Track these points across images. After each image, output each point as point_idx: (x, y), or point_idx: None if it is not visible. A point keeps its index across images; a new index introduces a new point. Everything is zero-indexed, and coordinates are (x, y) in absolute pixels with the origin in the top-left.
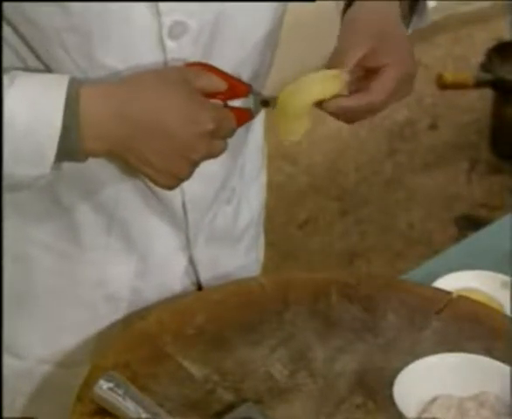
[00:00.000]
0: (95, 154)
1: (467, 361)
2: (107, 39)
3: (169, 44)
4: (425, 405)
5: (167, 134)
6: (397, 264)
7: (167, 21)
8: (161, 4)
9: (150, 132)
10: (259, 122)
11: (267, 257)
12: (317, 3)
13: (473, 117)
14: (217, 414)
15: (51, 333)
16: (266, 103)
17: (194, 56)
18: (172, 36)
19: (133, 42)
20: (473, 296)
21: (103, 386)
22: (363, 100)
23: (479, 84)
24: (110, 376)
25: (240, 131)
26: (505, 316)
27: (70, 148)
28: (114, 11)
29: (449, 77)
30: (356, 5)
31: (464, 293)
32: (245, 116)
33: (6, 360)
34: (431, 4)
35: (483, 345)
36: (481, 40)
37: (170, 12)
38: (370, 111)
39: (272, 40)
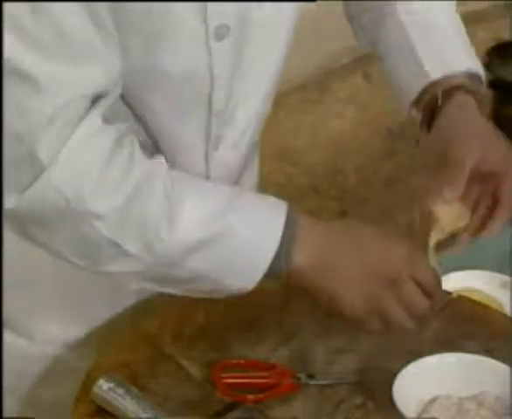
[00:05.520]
0: (299, 274)
1: (466, 361)
2: (159, 41)
3: (214, 45)
4: (425, 405)
5: (377, 260)
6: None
7: (213, 23)
8: (209, 6)
9: (362, 257)
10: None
11: None
12: (317, 3)
13: None
14: (217, 414)
15: (61, 314)
16: None
17: (233, 56)
18: (217, 37)
19: (181, 44)
20: (473, 296)
21: (103, 386)
22: (504, 217)
23: None
24: (110, 376)
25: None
26: (505, 316)
27: (276, 268)
28: (164, 12)
29: None
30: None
31: (464, 293)
32: None
33: (15, 341)
34: None
35: (483, 345)
36: (481, 40)
37: (216, 14)
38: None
39: (290, 39)
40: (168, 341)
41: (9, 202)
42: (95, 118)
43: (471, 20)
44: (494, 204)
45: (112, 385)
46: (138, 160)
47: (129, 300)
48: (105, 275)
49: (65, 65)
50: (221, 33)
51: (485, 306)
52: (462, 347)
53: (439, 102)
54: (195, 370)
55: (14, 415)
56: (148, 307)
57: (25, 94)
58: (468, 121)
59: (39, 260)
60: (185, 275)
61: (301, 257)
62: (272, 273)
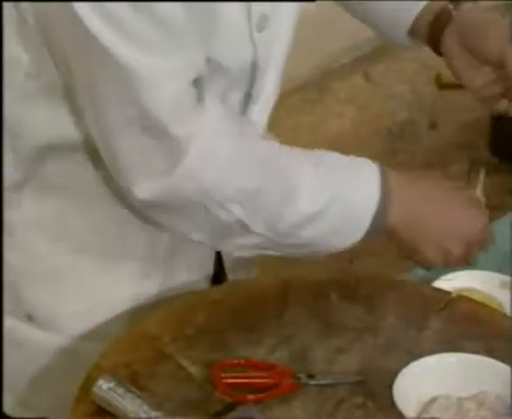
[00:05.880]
0: (392, 229)
1: (466, 361)
2: (212, 34)
3: (257, 36)
4: (425, 405)
5: (455, 222)
6: (398, 264)
7: (255, 15)
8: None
9: (443, 216)
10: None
11: (267, 257)
12: (317, 3)
13: (473, 117)
14: (217, 414)
15: (88, 308)
16: None
17: (268, 47)
18: (258, 28)
19: (231, 40)
20: (474, 296)
21: (103, 386)
22: None
23: None
24: (110, 376)
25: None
26: (505, 316)
27: (376, 222)
28: (213, 11)
29: (448, 76)
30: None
31: (464, 293)
32: None
33: (41, 335)
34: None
35: (483, 345)
36: None
37: (258, 6)
38: None
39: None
40: (168, 341)
41: (140, 193)
42: (215, 100)
43: None
44: None
45: (112, 385)
46: (257, 140)
47: (154, 290)
48: (222, 247)
49: (171, 56)
50: (261, 24)
51: (485, 306)
52: (462, 347)
53: (453, 12)
54: (195, 370)
55: (44, 412)
56: (148, 307)
57: (141, 90)
58: (492, 17)
59: (68, 255)
60: (296, 242)
61: (395, 215)
62: (369, 231)
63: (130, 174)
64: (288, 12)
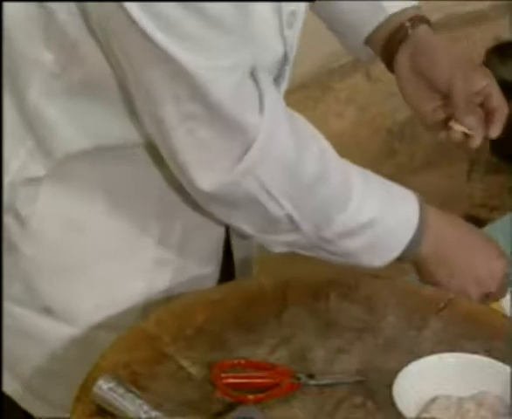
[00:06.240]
0: (422, 258)
1: (466, 361)
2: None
3: (287, 33)
4: (425, 405)
5: (479, 270)
6: (397, 264)
7: (285, 11)
8: None
9: (470, 260)
10: None
11: (268, 256)
12: (317, 2)
13: None
14: (217, 414)
15: (104, 299)
16: None
17: (294, 41)
18: (288, 25)
19: (258, 35)
20: None
21: (103, 386)
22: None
23: None
24: (110, 376)
25: None
26: (505, 316)
27: (410, 247)
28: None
29: None
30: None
31: None
32: None
33: (57, 326)
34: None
35: (483, 345)
36: (481, 40)
37: (287, 4)
38: None
39: None
40: (168, 341)
41: (203, 186)
42: (273, 95)
43: (471, 20)
44: (488, 113)
45: (112, 385)
46: (313, 137)
47: (166, 282)
48: (267, 241)
49: (226, 54)
50: (291, 20)
51: (485, 306)
52: (462, 347)
53: (410, 31)
54: (195, 370)
55: (55, 401)
56: (161, 300)
57: (201, 86)
58: (443, 44)
59: (86, 246)
60: (333, 250)
61: (427, 246)
62: (402, 255)
63: (191, 168)
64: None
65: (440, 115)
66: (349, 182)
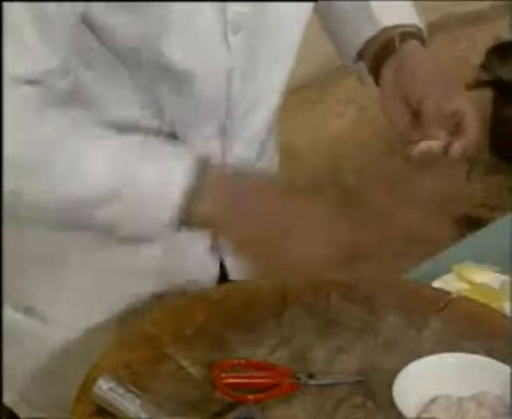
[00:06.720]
0: (205, 219)
1: (466, 361)
2: (174, 36)
3: (231, 38)
4: (425, 405)
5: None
6: (397, 264)
7: (230, 16)
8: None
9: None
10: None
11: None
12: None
13: None
14: (217, 414)
15: (82, 303)
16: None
17: (249, 49)
18: (234, 31)
19: (199, 38)
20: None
21: (103, 386)
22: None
23: (479, 84)
24: (110, 376)
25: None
26: (505, 316)
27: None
28: (179, 9)
29: None
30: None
31: (469, 289)
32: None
33: (40, 328)
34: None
35: (483, 345)
36: (481, 40)
37: (233, 7)
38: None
39: (302, 35)
40: (168, 341)
41: None
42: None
43: (471, 20)
44: (458, 133)
45: (112, 385)
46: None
47: (147, 288)
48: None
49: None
50: (237, 26)
51: (485, 306)
52: (462, 347)
53: (397, 44)
54: (195, 370)
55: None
56: (148, 307)
57: None
58: (428, 61)
59: (66, 252)
60: (99, 223)
61: (206, 207)
62: (179, 223)
63: None
64: (290, 17)
65: (411, 131)
66: (81, 150)
